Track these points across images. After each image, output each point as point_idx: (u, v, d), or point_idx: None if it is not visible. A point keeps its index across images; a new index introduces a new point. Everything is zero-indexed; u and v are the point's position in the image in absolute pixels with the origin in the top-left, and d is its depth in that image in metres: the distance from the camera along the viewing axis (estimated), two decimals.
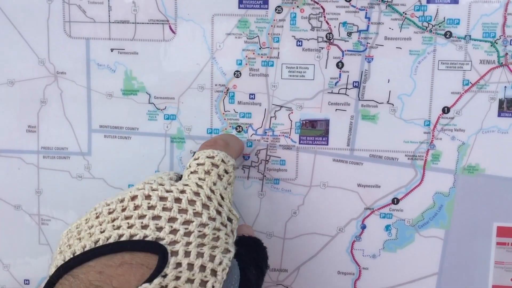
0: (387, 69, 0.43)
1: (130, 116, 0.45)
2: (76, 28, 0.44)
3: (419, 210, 0.44)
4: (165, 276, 0.27)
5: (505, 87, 0.42)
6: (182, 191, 0.33)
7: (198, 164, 0.36)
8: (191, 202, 0.32)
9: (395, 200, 0.44)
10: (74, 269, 0.28)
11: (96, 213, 0.32)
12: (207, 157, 0.37)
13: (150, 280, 0.26)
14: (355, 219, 0.45)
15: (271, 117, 0.44)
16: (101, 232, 0.30)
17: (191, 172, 0.36)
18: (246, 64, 0.44)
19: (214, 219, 0.32)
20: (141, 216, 0.31)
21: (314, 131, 0.44)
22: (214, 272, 0.29)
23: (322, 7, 0.43)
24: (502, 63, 0.42)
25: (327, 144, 0.44)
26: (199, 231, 0.30)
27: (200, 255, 0.29)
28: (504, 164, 0.43)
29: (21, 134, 0.46)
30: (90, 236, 0.30)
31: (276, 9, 0.43)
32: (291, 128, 0.44)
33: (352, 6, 0.43)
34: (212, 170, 0.36)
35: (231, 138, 0.42)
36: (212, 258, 0.29)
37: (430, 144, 0.43)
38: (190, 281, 0.28)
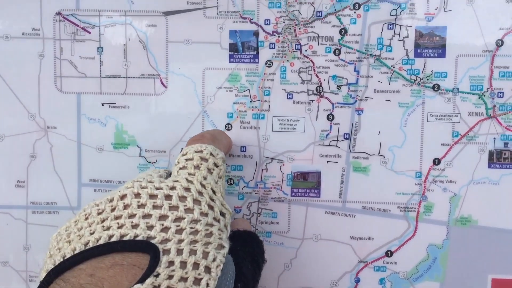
0: (377, 121, 0.43)
1: (121, 170, 0.45)
2: (67, 83, 0.44)
3: (413, 263, 0.44)
4: (157, 275, 0.26)
5: (494, 138, 0.43)
6: (172, 188, 0.32)
7: (186, 160, 0.35)
8: (182, 198, 0.31)
9: (389, 252, 0.44)
10: (64, 272, 0.28)
11: (85, 214, 0.32)
12: (195, 151, 0.36)
13: (142, 280, 0.26)
14: (349, 273, 0.44)
15: (262, 169, 0.44)
16: (91, 234, 0.30)
17: (180, 168, 0.35)
18: (237, 117, 0.44)
19: (206, 215, 0.31)
20: (131, 215, 0.30)
21: (306, 183, 0.44)
22: (208, 269, 0.28)
23: (311, 61, 0.43)
24: (490, 115, 0.43)
25: (319, 196, 0.44)
26: (191, 228, 0.30)
27: (193, 252, 0.28)
28: (496, 215, 0.43)
29: (10, 189, 0.45)
30: (79, 238, 0.30)
31: (266, 63, 0.44)
32: (282, 181, 0.44)
33: (341, 60, 0.43)
34: (201, 164, 0.35)
35: (218, 132, 0.42)
36: (205, 255, 0.29)
37: (422, 196, 0.43)
38: (183, 279, 0.27)
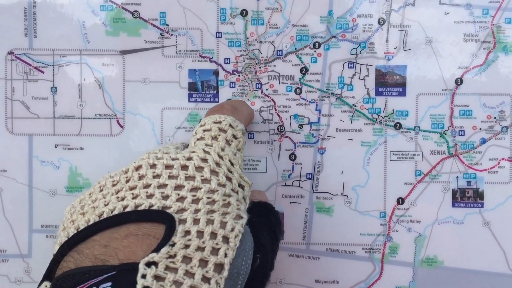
0: (340, 160, 0.43)
1: None
2: (19, 124, 0.43)
3: None
4: (173, 245, 0.25)
5: (457, 177, 0.42)
6: (189, 158, 0.31)
7: (204, 130, 0.34)
8: (199, 169, 0.30)
9: None
10: (78, 244, 0.27)
11: (100, 186, 0.31)
12: (214, 122, 0.35)
13: (157, 249, 0.25)
14: None
15: None
16: (105, 205, 0.29)
17: (198, 139, 0.34)
18: None
19: (224, 185, 0.30)
20: (146, 186, 0.29)
21: None
22: (226, 239, 0.27)
23: (272, 100, 0.43)
24: (452, 153, 0.42)
25: (283, 239, 0.43)
26: (208, 198, 0.29)
27: (210, 222, 0.27)
28: (462, 255, 0.42)
29: None
30: (94, 210, 0.29)
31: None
32: None
33: (303, 99, 0.43)
34: (219, 135, 0.34)
35: (239, 103, 0.40)
36: (223, 224, 0.28)
37: (387, 236, 0.42)
38: (200, 249, 0.26)
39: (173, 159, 0.31)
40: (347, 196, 0.43)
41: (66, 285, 0.24)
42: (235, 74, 0.43)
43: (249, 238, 0.30)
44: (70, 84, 0.43)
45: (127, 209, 0.28)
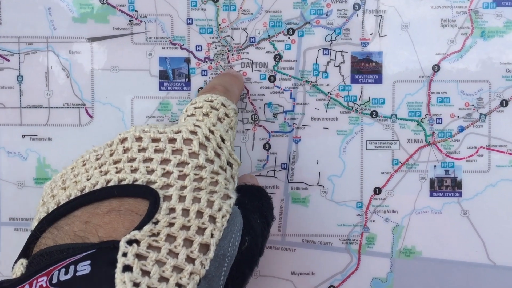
0: (315, 149, 0.42)
1: None
2: None
3: None
4: (156, 222, 0.24)
5: (435, 166, 0.41)
6: (177, 132, 0.29)
7: (195, 108, 0.33)
8: (187, 141, 0.29)
9: None
10: (58, 220, 0.26)
11: (83, 161, 0.30)
12: (205, 100, 0.33)
13: (140, 227, 0.23)
14: None
15: None
16: (88, 179, 0.28)
17: (188, 115, 0.33)
18: None
19: (212, 162, 0.29)
20: (131, 160, 0.28)
21: None
22: (212, 219, 0.26)
23: (246, 88, 0.42)
24: (429, 142, 0.41)
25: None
26: (195, 174, 0.27)
27: (196, 200, 0.26)
28: (440, 246, 0.41)
29: None
30: (75, 185, 0.28)
31: (198, 91, 0.42)
32: None
33: (277, 87, 0.42)
34: (211, 112, 0.33)
35: (230, 83, 0.39)
36: (210, 203, 0.26)
37: (364, 227, 0.42)
38: (185, 228, 0.25)
39: (160, 133, 0.29)
40: (323, 186, 0.42)
41: (43, 264, 0.23)
42: (207, 62, 0.42)
43: (238, 220, 0.28)
44: (37, 72, 0.41)
45: (110, 184, 0.27)
